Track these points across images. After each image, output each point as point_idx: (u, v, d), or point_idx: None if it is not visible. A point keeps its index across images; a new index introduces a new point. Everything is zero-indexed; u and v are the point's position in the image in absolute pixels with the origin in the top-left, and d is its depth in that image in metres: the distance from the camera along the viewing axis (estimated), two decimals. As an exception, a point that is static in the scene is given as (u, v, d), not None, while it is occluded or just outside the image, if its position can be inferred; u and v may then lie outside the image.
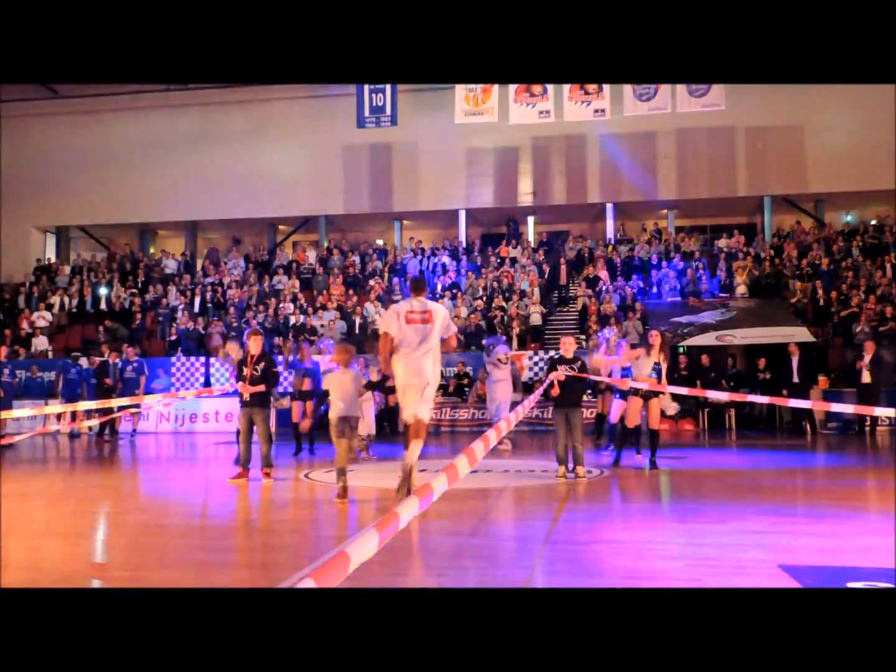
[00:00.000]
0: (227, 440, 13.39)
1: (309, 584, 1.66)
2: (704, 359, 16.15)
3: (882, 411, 9.46)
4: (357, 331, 19.15)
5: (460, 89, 19.39)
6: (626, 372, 9.72)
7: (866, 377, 14.27)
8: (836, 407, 8.16)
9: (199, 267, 24.16)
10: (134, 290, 22.24)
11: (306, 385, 11.42)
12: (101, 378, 15.41)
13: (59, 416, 15.72)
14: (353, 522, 6.10)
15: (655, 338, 8.93)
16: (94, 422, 13.28)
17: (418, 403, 6.54)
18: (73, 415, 14.70)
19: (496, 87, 19.32)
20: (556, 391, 8.18)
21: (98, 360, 16.12)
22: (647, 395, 8.89)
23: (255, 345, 8.42)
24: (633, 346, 10.15)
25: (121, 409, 13.54)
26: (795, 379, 14.87)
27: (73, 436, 15.60)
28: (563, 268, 21.36)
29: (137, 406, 14.97)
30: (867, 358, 14.35)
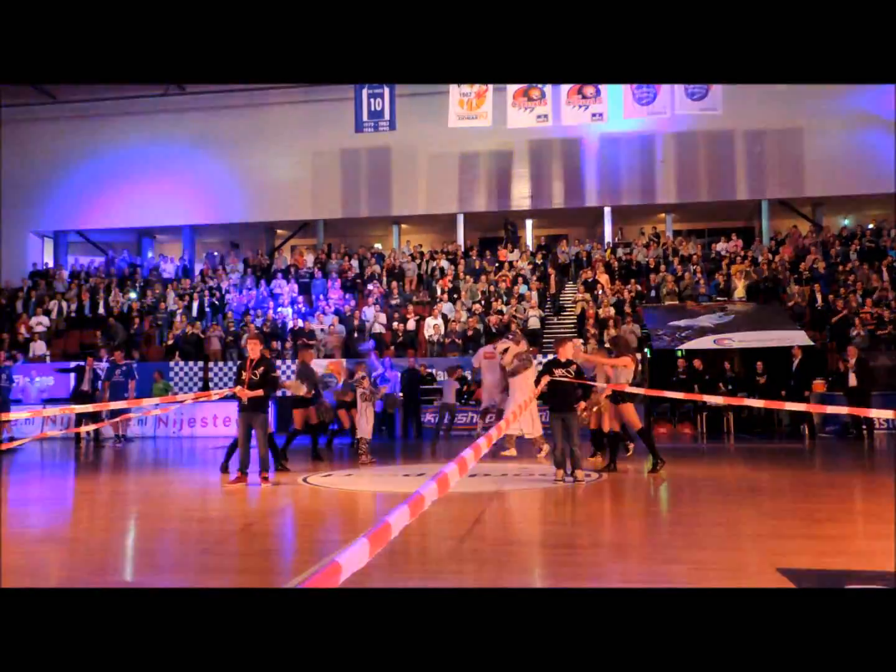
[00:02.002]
0: (225, 445, 13.32)
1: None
2: (697, 363, 16.13)
3: (877, 413, 9.46)
4: (356, 334, 19.13)
5: (454, 93, 19.20)
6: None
7: (853, 381, 14.33)
8: (831, 409, 8.18)
9: (197, 271, 24.17)
10: (132, 295, 22.23)
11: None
12: (77, 384, 15.30)
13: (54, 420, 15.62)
14: (353, 525, 6.09)
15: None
16: (91, 427, 13.20)
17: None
18: (77, 419, 14.57)
19: (490, 91, 19.18)
20: (542, 389, 8.14)
21: (75, 364, 15.89)
22: (617, 400, 8.93)
23: (253, 349, 8.36)
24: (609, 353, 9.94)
25: (112, 413, 13.39)
26: (794, 382, 14.92)
27: (88, 440, 15.36)
28: (554, 272, 21.33)
29: (128, 410, 14.87)
30: (851, 362, 14.43)
